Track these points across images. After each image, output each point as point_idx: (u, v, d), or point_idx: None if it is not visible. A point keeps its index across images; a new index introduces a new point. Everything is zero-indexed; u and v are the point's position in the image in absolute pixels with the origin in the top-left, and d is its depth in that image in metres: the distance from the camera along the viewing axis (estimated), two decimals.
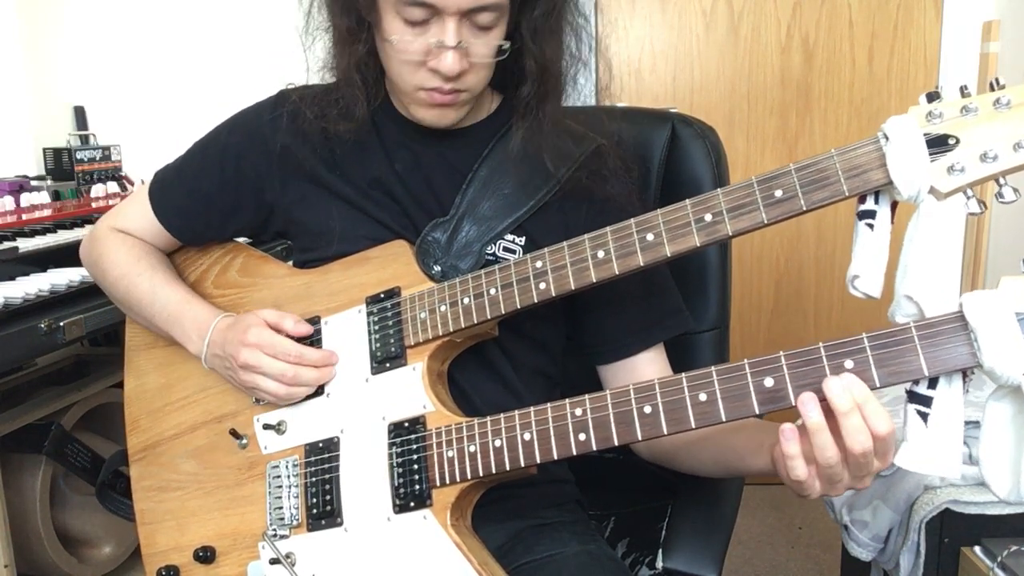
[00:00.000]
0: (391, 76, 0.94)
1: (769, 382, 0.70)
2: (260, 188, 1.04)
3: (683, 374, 0.73)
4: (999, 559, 1.30)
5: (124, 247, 1.09)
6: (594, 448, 0.77)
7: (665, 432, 0.74)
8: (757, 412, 0.71)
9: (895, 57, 2.57)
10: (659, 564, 1.02)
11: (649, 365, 1.00)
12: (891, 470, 1.46)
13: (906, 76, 2.57)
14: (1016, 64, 2.22)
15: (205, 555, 0.99)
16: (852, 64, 2.58)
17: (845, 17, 2.55)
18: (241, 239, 1.14)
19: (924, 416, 0.67)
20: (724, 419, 0.72)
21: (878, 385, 0.67)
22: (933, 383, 0.67)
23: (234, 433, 1.00)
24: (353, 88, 0.94)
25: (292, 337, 0.95)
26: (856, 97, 2.59)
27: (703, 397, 0.72)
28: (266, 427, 0.97)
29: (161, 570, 1.02)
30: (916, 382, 0.67)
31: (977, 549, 1.36)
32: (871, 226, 0.74)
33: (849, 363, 0.67)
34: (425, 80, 0.90)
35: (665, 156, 1.22)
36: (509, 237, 0.96)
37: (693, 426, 0.73)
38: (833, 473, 0.70)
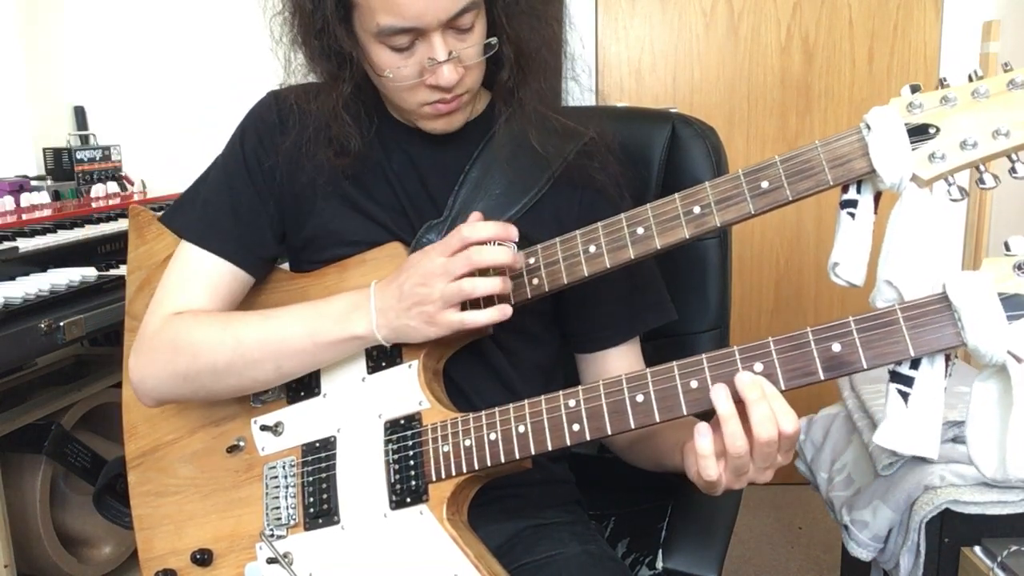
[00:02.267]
0: (392, 100, 0.94)
1: (759, 367, 0.71)
2: (283, 186, 1.00)
3: (674, 362, 0.74)
4: (999, 559, 1.30)
5: (193, 321, 0.92)
6: (588, 438, 0.78)
7: (658, 420, 0.75)
8: None
9: (895, 57, 2.56)
10: (659, 564, 1.02)
11: (620, 359, 1.02)
12: (891, 470, 1.46)
13: (906, 76, 2.57)
14: (1016, 64, 2.21)
15: (202, 558, 0.99)
16: (852, 64, 2.58)
17: (845, 17, 2.55)
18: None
19: (905, 396, 0.69)
20: None
21: (865, 367, 0.68)
22: (916, 364, 0.68)
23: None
24: (343, 126, 0.94)
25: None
26: (856, 97, 2.59)
27: (694, 384, 0.73)
28: (263, 428, 0.97)
29: (159, 573, 1.01)
30: (899, 362, 0.68)
31: (977, 549, 1.36)
32: (852, 215, 0.76)
33: (837, 346, 0.68)
34: (426, 96, 0.91)
35: (665, 156, 1.22)
36: None
37: (685, 413, 0.74)
38: (741, 464, 0.72)
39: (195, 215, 0.99)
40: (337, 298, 0.89)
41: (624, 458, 1.04)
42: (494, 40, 0.90)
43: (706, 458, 0.73)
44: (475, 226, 0.81)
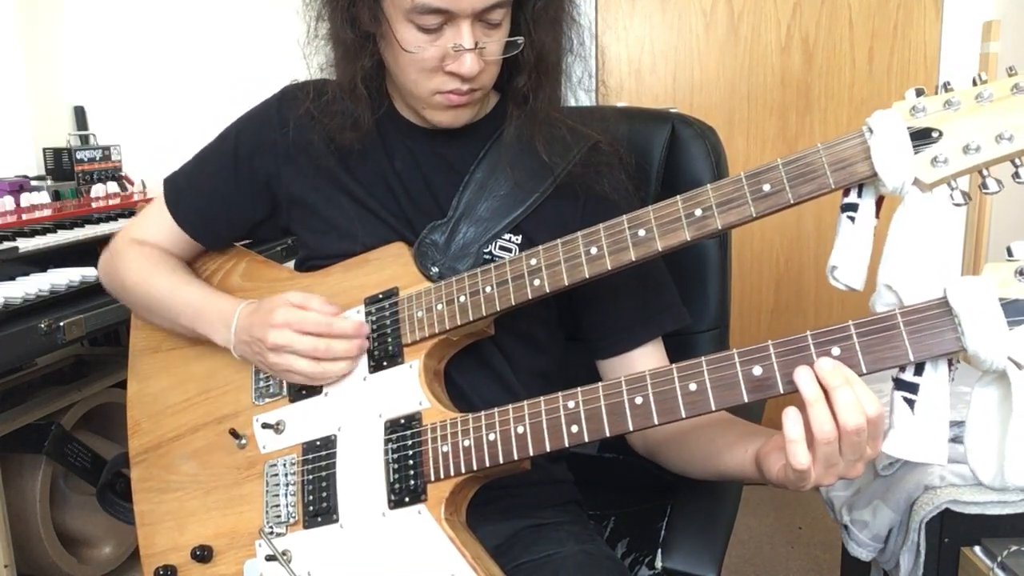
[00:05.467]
0: (404, 84, 0.94)
1: (758, 371, 0.71)
2: (270, 185, 1.05)
3: (674, 365, 0.74)
4: (999, 559, 1.30)
5: (141, 255, 1.09)
6: (586, 439, 0.77)
7: (656, 422, 0.74)
8: (746, 400, 0.71)
9: (895, 57, 2.57)
10: (658, 564, 1.02)
11: (647, 359, 1.01)
12: (891, 470, 1.46)
13: (906, 76, 2.57)
14: (1016, 64, 2.21)
15: (202, 554, 0.99)
16: (852, 64, 2.58)
17: (845, 17, 2.55)
18: (241, 243, 1.14)
19: (911, 403, 0.68)
20: (714, 408, 0.72)
21: (865, 371, 0.68)
22: (919, 370, 0.68)
23: (234, 433, 1.00)
24: (359, 101, 0.95)
25: None
26: (856, 97, 2.60)
27: (693, 387, 0.73)
28: (265, 426, 0.98)
29: (159, 570, 1.02)
30: (902, 369, 0.68)
31: (977, 549, 1.36)
32: (852, 219, 0.76)
33: (836, 350, 0.68)
34: (442, 84, 0.91)
35: (665, 156, 1.22)
36: (506, 236, 0.97)
37: (683, 416, 0.73)
38: (831, 452, 0.69)
39: (181, 183, 1.10)
40: (220, 301, 1.01)
41: (655, 456, 1.01)
42: (520, 39, 0.91)
43: (795, 443, 0.69)
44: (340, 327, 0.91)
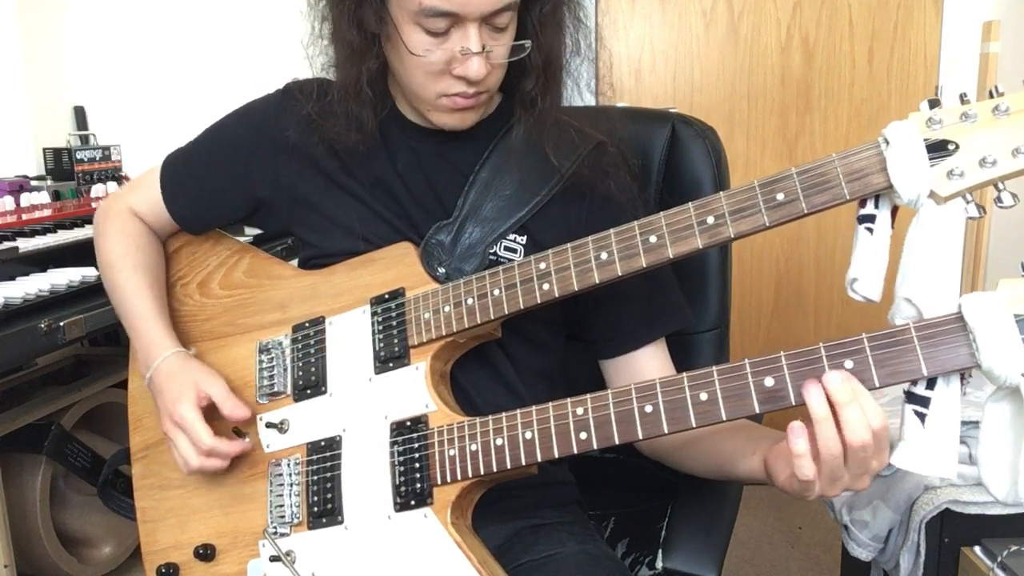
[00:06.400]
0: (410, 86, 0.94)
1: (769, 382, 0.70)
2: (260, 187, 1.05)
3: (684, 374, 0.74)
4: (999, 559, 1.30)
5: (122, 236, 1.10)
6: (595, 447, 0.77)
7: (666, 431, 0.74)
8: (757, 411, 0.71)
9: (895, 57, 2.57)
10: (659, 564, 1.02)
11: (651, 360, 1.01)
12: (891, 470, 1.46)
13: (906, 76, 2.57)
14: (1016, 64, 2.22)
15: (205, 553, 0.99)
16: (852, 64, 2.58)
17: (845, 17, 2.56)
18: (242, 239, 1.14)
19: (921, 416, 0.68)
20: (724, 418, 0.72)
21: (877, 385, 0.67)
22: (931, 384, 0.67)
23: (237, 431, 1.00)
24: (363, 103, 0.95)
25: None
26: (856, 97, 2.60)
27: (704, 396, 0.72)
28: (269, 426, 0.97)
29: (161, 568, 1.02)
30: (914, 382, 0.68)
31: (977, 549, 1.36)
32: (870, 230, 0.75)
33: (849, 363, 0.68)
34: (448, 87, 0.91)
35: (665, 156, 1.21)
36: (511, 236, 0.97)
37: (694, 425, 0.73)
38: (836, 468, 0.70)
39: (179, 167, 1.11)
40: (156, 331, 1.04)
41: (662, 459, 1.01)
42: (527, 43, 0.91)
43: (802, 457, 0.70)
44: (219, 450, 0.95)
